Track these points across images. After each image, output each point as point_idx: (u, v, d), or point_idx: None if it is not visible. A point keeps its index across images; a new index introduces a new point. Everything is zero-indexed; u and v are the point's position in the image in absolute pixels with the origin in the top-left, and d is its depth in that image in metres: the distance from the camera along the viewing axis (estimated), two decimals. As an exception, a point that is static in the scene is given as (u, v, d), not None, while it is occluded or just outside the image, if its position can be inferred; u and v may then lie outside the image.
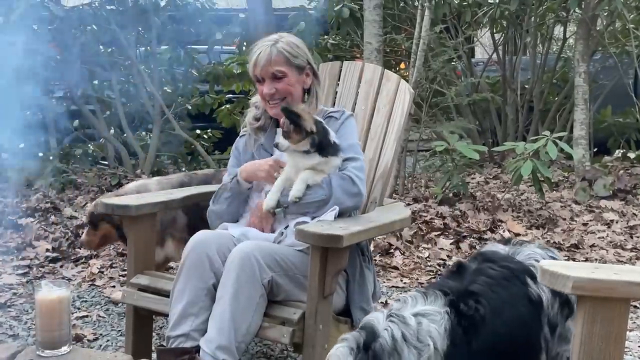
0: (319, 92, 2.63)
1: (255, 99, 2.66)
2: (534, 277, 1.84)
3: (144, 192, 3.01)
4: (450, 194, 5.49)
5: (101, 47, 6.53)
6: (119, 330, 3.21)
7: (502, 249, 1.97)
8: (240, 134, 2.70)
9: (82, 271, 4.08)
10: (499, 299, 1.77)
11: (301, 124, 2.33)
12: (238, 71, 6.79)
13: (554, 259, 1.99)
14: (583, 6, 6.30)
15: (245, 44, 7.00)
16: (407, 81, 2.91)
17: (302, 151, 2.37)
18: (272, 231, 2.45)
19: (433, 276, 4.08)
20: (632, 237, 4.70)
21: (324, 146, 2.38)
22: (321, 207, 2.37)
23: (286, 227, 2.40)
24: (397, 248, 4.41)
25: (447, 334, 1.72)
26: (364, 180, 2.46)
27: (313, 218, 2.36)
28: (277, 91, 2.49)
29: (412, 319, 1.74)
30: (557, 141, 4.93)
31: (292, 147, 2.37)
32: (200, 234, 2.39)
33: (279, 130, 2.48)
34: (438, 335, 1.71)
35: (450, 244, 4.49)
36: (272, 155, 2.55)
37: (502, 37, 8.01)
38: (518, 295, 1.81)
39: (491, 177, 6.88)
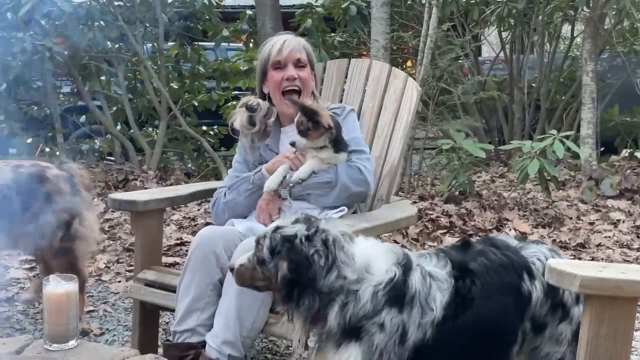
0: (318, 97, 2.68)
1: (251, 99, 2.59)
2: (530, 273, 1.86)
3: None
4: (456, 192, 5.48)
5: (108, 43, 6.54)
6: (126, 325, 3.22)
7: (512, 241, 1.99)
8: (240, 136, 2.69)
9: (89, 266, 4.09)
10: (491, 284, 1.80)
11: (319, 120, 2.34)
12: (245, 68, 6.80)
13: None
14: (591, 5, 6.27)
15: (252, 41, 7.01)
16: (414, 79, 2.90)
17: (318, 147, 2.38)
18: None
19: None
20: (638, 237, 4.69)
21: (337, 142, 2.40)
22: (327, 190, 2.38)
23: None
24: (402, 246, 4.41)
25: (445, 305, 1.76)
26: (372, 171, 2.47)
27: (320, 213, 2.37)
28: (299, 77, 2.52)
29: (428, 279, 1.78)
30: (564, 140, 4.92)
31: (309, 145, 2.37)
32: (207, 230, 2.40)
33: (284, 129, 2.50)
34: (440, 304, 1.76)
35: (456, 242, 4.49)
36: (277, 154, 2.54)
37: (509, 36, 7.99)
38: (509, 285, 1.82)
39: (497, 175, 6.86)
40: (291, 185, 2.40)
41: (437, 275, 1.80)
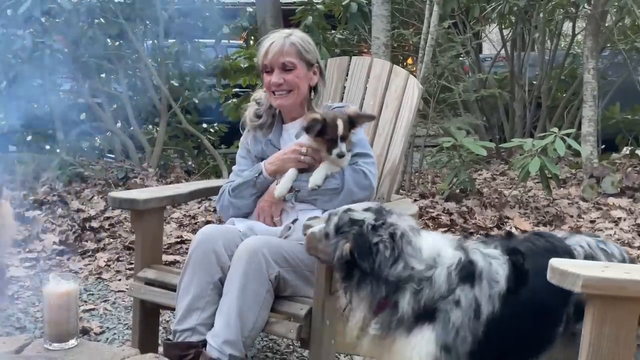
0: (323, 92, 2.65)
1: (259, 94, 2.65)
2: (573, 258, 1.93)
3: None
4: (457, 190, 5.47)
5: (108, 40, 6.52)
6: (126, 324, 3.22)
7: (557, 233, 2.09)
8: (247, 129, 2.70)
9: (89, 264, 4.09)
10: (538, 264, 1.83)
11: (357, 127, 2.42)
12: (245, 65, 6.78)
13: (605, 250, 2.01)
14: (592, 2, 6.26)
15: (252, 38, 6.99)
16: (415, 77, 2.89)
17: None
18: (281, 223, 2.45)
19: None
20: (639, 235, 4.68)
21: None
22: (333, 197, 2.38)
23: (294, 221, 2.40)
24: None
25: (506, 278, 1.86)
26: (375, 175, 2.48)
27: (323, 212, 2.37)
28: (285, 82, 2.49)
29: (487, 258, 1.90)
30: (565, 138, 4.91)
31: (347, 148, 2.41)
32: (207, 229, 2.39)
33: (286, 127, 2.50)
34: (503, 277, 1.87)
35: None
36: (280, 149, 2.54)
37: (510, 33, 7.98)
38: None
39: (498, 173, 6.85)
40: (297, 190, 2.39)
41: (492, 254, 1.91)
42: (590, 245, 1.99)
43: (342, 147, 2.37)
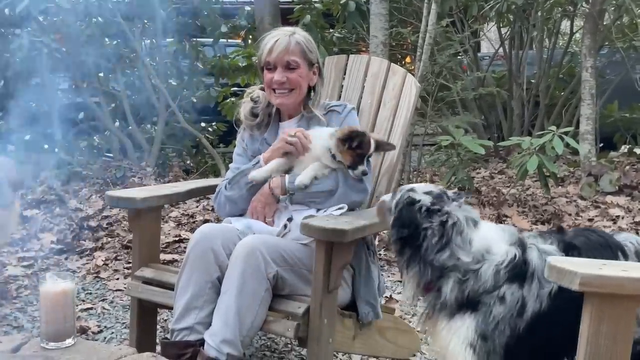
0: (321, 91, 2.65)
1: (256, 93, 2.62)
2: (624, 253, 1.95)
3: None
4: (456, 189, 5.47)
5: (106, 39, 6.51)
6: (124, 323, 3.21)
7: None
8: (242, 127, 2.70)
9: (87, 263, 4.09)
10: (594, 258, 1.85)
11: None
12: (243, 64, 6.77)
13: None
14: (590, 0, 6.26)
15: (250, 37, 6.99)
16: (413, 75, 2.89)
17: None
18: (273, 223, 2.45)
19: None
20: (638, 233, 4.68)
21: None
22: (327, 198, 2.38)
23: (290, 220, 2.40)
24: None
25: None
26: (370, 178, 2.49)
27: (318, 211, 2.37)
28: (288, 80, 2.49)
29: (543, 255, 1.87)
30: (563, 136, 4.91)
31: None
32: (205, 228, 2.38)
33: (282, 125, 2.50)
34: None
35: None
36: None
37: (508, 31, 7.97)
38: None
39: (496, 171, 6.86)
40: (291, 192, 2.39)
41: (549, 251, 1.90)
42: (639, 242, 2.00)
43: (366, 165, 2.40)
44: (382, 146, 2.52)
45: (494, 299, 1.84)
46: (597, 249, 1.92)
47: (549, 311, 1.84)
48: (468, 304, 1.86)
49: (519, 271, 1.85)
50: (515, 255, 1.86)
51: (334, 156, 2.39)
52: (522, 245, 1.90)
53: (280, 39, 2.49)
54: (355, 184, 2.41)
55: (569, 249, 1.92)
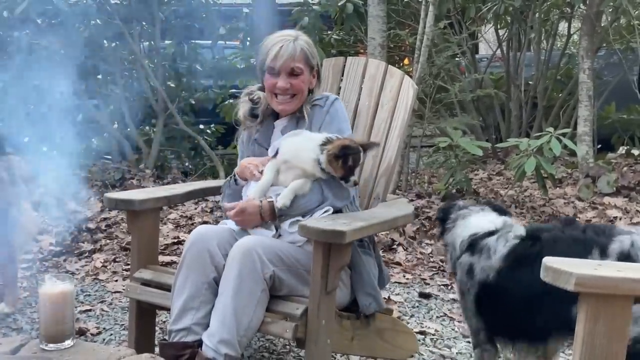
0: (317, 93, 2.64)
1: (257, 94, 2.60)
2: (604, 251, 2.01)
3: None
4: (454, 190, 5.48)
5: (105, 41, 6.52)
6: (123, 325, 3.22)
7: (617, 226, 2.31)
8: (243, 128, 2.69)
9: (86, 265, 4.09)
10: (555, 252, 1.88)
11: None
12: (242, 66, 6.78)
13: None
14: (587, 2, 6.27)
15: (249, 39, 6.99)
16: (410, 77, 2.90)
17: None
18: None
19: (436, 272, 4.08)
20: (635, 234, 4.69)
21: None
22: (312, 211, 2.39)
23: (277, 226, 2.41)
24: (400, 244, 4.41)
25: (503, 257, 2.24)
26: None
27: (304, 216, 2.37)
28: (291, 86, 2.48)
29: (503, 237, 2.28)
30: (561, 137, 4.92)
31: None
32: (201, 229, 2.39)
33: (277, 122, 2.52)
34: (500, 255, 2.26)
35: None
36: (267, 149, 2.54)
37: (506, 33, 7.98)
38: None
39: (494, 173, 6.87)
40: (280, 215, 2.36)
41: (516, 234, 2.24)
42: (636, 244, 1.98)
43: (356, 175, 2.42)
44: (369, 148, 2.52)
45: (459, 265, 2.35)
46: (565, 243, 2.04)
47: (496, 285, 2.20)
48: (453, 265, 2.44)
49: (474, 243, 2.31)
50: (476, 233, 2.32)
51: (322, 169, 2.37)
52: (494, 232, 2.28)
53: (285, 45, 2.45)
54: (339, 192, 2.41)
55: (532, 239, 2.17)
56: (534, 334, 2.22)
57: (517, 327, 2.24)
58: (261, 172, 2.42)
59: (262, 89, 2.60)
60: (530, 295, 2.08)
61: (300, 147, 2.41)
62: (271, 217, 2.37)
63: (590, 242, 2.05)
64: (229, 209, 2.41)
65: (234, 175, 2.52)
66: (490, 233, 2.28)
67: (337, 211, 2.42)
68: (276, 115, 2.61)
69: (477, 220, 2.38)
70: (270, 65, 2.48)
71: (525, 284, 2.06)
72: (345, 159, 2.35)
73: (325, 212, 2.38)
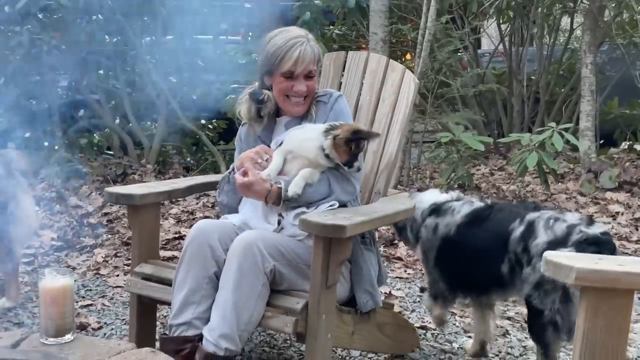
0: (317, 88, 2.62)
1: (265, 94, 2.52)
2: (522, 220, 2.45)
3: None
4: (455, 185, 5.48)
5: (106, 36, 6.51)
6: (124, 319, 3.22)
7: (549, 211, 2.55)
8: (242, 123, 2.67)
9: (87, 260, 4.10)
10: (499, 217, 2.56)
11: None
12: (243, 61, 6.77)
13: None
14: (590, -3, 6.26)
15: (250, 34, 6.98)
16: (412, 72, 2.89)
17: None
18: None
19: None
20: (637, 229, 4.68)
21: None
22: (321, 203, 2.38)
23: (281, 216, 2.40)
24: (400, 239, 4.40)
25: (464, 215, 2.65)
26: (359, 179, 2.50)
27: (308, 207, 2.36)
28: (307, 89, 2.47)
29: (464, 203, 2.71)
30: (563, 133, 4.91)
31: None
32: (202, 223, 2.39)
33: (279, 119, 2.50)
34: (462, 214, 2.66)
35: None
36: (270, 145, 2.53)
37: (508, 28, 7.97)
38: (506, 221, 2.50)
39: (496, 168, 6.86)
40: (287, 202, 2.35)
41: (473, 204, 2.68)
42: (545, 219, 2.40)
43: (361, 161, 2.42)
44: (370, 137, 2.48)
45: (423, 227, 2.74)
46: (505, 212, 2.54)
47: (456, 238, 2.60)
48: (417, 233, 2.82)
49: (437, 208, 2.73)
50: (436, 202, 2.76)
51: (327, 155, 2.36)
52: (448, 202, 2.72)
53: (302, 49, 2.40)
54: (346, 186, 2.40)
55: (489, 207, 2.62)
56: (478, 286, 2.65)
57: (467, 277, 2.64)
58: (266, 160, 2.41)
59: (264, 87, 2.54)
60: (477, 248, 2.55)
61: (304, 137, 2.41)
62: (276, 202, 2.35)
63: (517, 213, 2.50)
64: (241, 172, 2.36)
65: (233, 170, 2.51)
66: (451, 201, 2.72)
67: (342, 205, 2.41)
68: (278, 111, 2.59)
69: (428, 195, 2.83)
70: (290, 70, 2.41)
71: (476, 238, 2.55)
72: (357, 143, 2.35)
73: (331, 206, 2.37)
